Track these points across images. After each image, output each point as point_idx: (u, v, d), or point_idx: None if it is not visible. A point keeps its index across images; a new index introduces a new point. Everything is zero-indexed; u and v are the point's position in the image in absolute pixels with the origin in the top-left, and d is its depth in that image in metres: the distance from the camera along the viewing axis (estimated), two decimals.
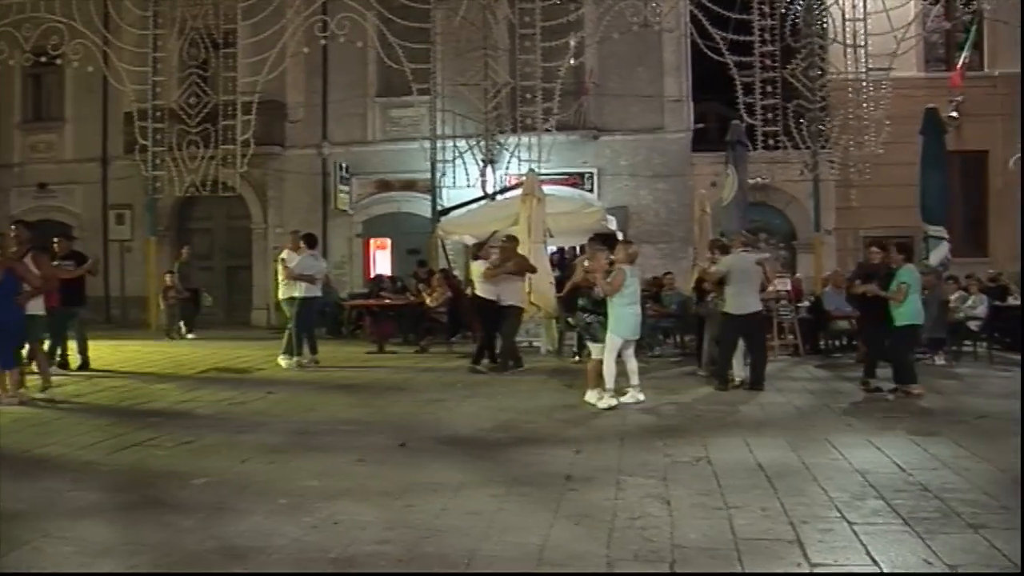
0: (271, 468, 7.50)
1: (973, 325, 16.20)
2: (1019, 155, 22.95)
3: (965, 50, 22.24)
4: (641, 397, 10.93)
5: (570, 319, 16.09)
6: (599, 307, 10.92)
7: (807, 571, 4.94)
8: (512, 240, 14.81)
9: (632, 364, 11.06)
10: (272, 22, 21.63)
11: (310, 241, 15.45)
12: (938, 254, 17.45)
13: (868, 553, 5.22)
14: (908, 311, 11.91)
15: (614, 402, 10.55)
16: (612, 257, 11.09)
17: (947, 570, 4.92)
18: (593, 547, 5.33)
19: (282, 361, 14.84)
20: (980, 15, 21.88)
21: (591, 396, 10.78)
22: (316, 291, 15.28)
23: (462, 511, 6.10)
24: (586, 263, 11.23)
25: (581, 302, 11.14)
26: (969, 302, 16.23)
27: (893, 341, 12.10)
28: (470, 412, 10.49)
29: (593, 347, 11.14)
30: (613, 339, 10.74)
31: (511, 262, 14.33)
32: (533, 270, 14.68)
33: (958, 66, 22.25)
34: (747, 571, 4.94)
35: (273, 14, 21.62)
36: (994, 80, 23.49)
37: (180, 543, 5.45)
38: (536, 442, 8.59)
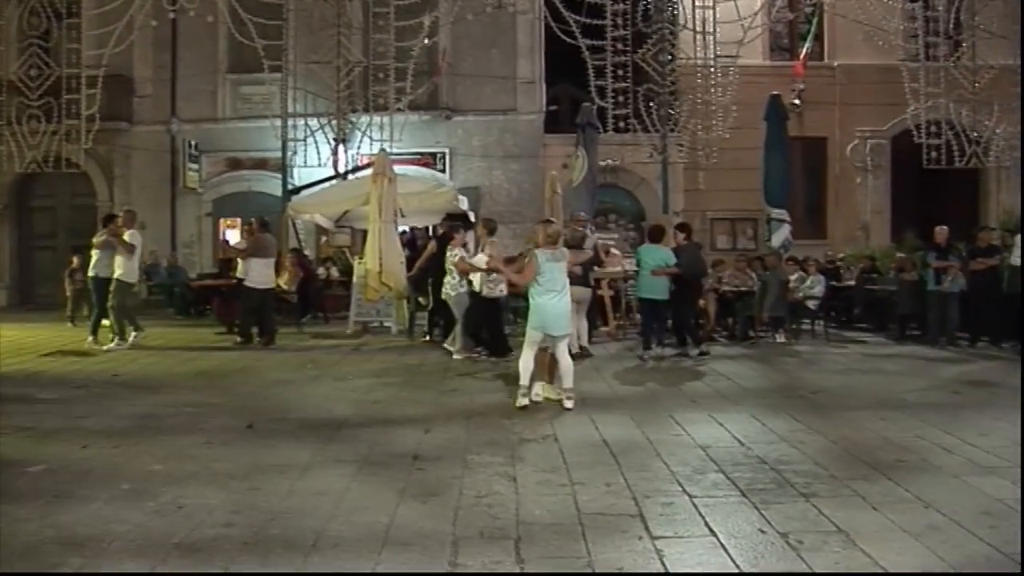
0: (114, 453, 7.35)
1: (811, 304, 16.90)
2: (856, 141, 24.09)
3: (807, 41, 23.11)
4: (569, 406, 9.35)
5: (420, 299, 16.24)
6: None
7: (648, 543, 5.13)
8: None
9: (565, 362, 9.57)
10: None
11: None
12: (780, 236, 18.21)
13: (706, 524, 5.47)
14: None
15: (526, 401, 9.32)
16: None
17: (780, 536, 5.21)
18: (439, 525, 5.43)
19: (115, 344, 14.56)
20: (821, 8, 22.79)
21: (548, 391, 9.80)
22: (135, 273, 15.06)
23: (309, 492, 6.13)
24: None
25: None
26: (807, 282, 16.90)
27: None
28: (319, 393, 10.47)
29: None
30: (530, 332, 9.56)
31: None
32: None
33: (801, 55, 23.10)
34: (590, 545, 5.10)
35: None
36: (833, 70, 24.50)
37: (15, 533, 5.32)
38: (384, 422, 8.65)
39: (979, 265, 14.97)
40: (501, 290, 13.58)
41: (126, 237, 14.64)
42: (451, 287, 13.64)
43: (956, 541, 5.14)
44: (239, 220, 24.48)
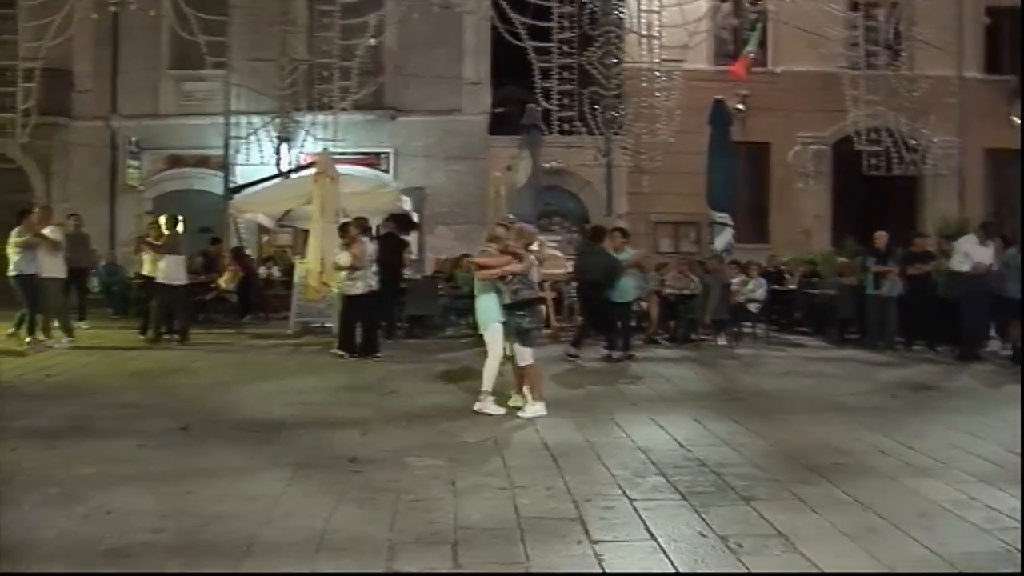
0: (44, 456, 7.14)
1: (752, 308, 17.02)
2: (798, 147, 24.35)
3: (751, 46, 23.30)
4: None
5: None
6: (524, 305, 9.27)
7: (588, 547, 5.09)
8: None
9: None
10: None
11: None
12: (723, 239, 18.34)
13: (647, 527, 5.44)
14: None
15: (501, 410, 9.18)
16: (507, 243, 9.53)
17: (721, 539, 5.19)
18: (376, 529, 5.35)
19: (66, 343, 14.31)
20: (765, 15, 23.00)
21: (538, 409, 9.12)
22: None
23: (243, 496, 6.01)
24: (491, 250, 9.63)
25: (506, 300, 9.25)
26: (749, 286, 17.03)
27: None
28: (256, 394, 10.33)
29: (523, 351, 9.28)
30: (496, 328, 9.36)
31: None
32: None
33: (741, 58, 23.27)
34: (529, 549, 5.05)
35: None
36: (776, 76, 24.74)
37: None
38: (323, 424, 8.55)
39: (917, 270, 15.17)
40: (368, 286, 13.52)
41: (47, 233, 14.33)
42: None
43: (893, 542, 5.16)
44: (180, 219, 24.09)
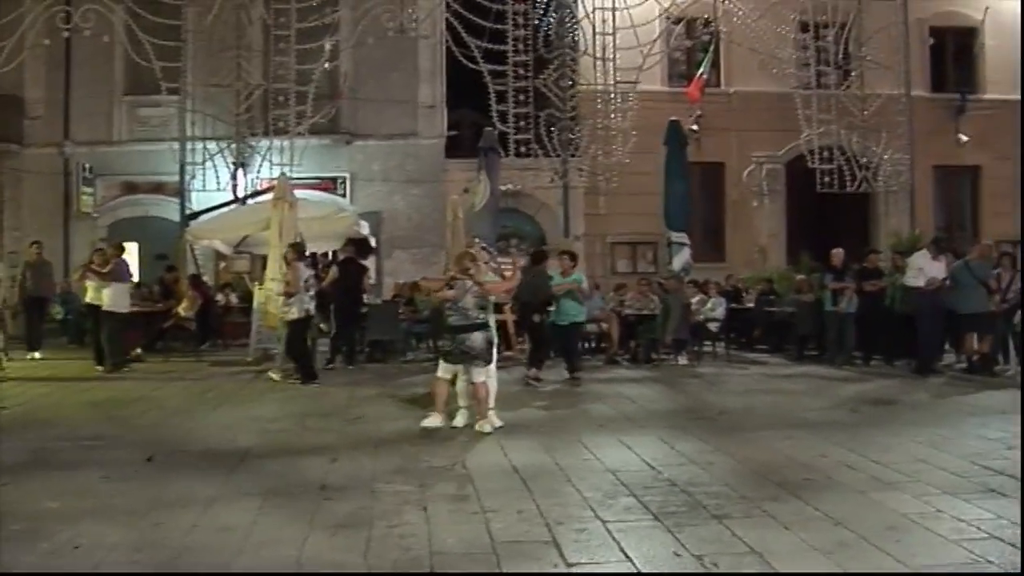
0: (3, 491, 6.99)
1: (712, 326, 17.15)
2: (752, 166, 24.60)
3: (704, 67, 23.56)
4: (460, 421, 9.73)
5: (322, 326, 16.02)
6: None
7: (564, 570, 5.09)
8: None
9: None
10: (9, 10, 20.11)
11: None
12: (680, 259, 18.43)
13: (621, 549, 5.43)
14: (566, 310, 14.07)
15: (487, 428, 9.36)
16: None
17: (696, 559, 5.21)
18: (351, 557, 5.31)
19: None
20: (718, 36, 23.27)
21: (488, 424, 9.43)
22: None
23: (214, 527, 5.93)
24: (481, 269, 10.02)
25: (483, 316, 9.61)
26: (708, 304, 17.17)
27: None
28: (221, 423, 10.22)
29: (478, 370, 9.50)
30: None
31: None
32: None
33: (694, 79, 23.53)
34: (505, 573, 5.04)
35: (10, 1, 20.24)
36: (730, 96, 25.04)
37: None
38: (290, 452, 8.47)
39: (871, 287, 15.37)
40: (304, 311, 13.70)
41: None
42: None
43: (865, 557, 5.21)
44: (136, 245, 23.88)
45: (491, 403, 9.59)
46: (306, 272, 13.89)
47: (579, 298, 14.24)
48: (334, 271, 15.70)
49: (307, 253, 17.67)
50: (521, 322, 14.60)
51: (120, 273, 15.21)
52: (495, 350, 9.95)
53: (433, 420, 9.55)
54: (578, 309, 14.22)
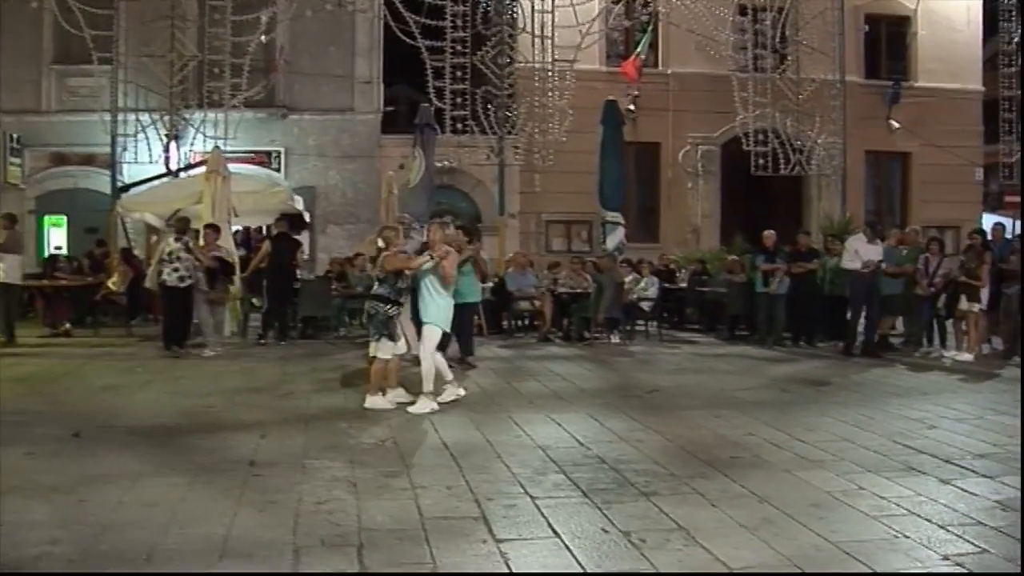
0: None
1: (645, 306, 17.27)
2: (687, 147, 24.77)
3: (641, 47, 23.65)
4: (462, 392, 9.90)
5: (254, 300, 15.83)
6: (401, 297, 9.67)
7: (492, 546, 5.11)
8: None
9: (441, 358, 9.97)
10: None
11: None
12: (614, 239, 18.53)
13: (550, 525, 5.47)
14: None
15: (435, 405, 9.32)
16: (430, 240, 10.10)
17: (623, 535, 5.26)
18: (279, 534, 5.27)
19: None
20: (656, 17, 23.39)
21: (377, 401, 9.47)
22: None
23: (140, 503, 5.86)
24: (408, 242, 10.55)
25: (382, 290, 9.61)
26: (641, 284, 17.28)
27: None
28: (149, 398, 10.08)
29: (383, 345, 9.59)
30: (434, 331, 9.64)
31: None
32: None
33: (632, 59, 23.61)
34: (434, 549, 5.03)
35: None
36: (667, 77, 25.14)
37: None
38: (219, 428, 8.38)
39: (800, 268, 15.61)
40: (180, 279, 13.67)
41: None
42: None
43: (789, 533, 5.30)
44: (65, 218, 23.43)
45: (427, 386, 9.45)
46: (175, 245, 13.79)
47: (474, 277, 13.38)
48: (267, 246, 15.54)
49: (240, 228, 17.62)
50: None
51: (13, 244, 14.88)
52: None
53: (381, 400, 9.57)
54: (471, 289, 13.10)
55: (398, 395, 9.69)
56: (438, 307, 9.67)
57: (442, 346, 12.69)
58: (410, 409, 9.27)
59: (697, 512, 5.72)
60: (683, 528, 5.37)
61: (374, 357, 9.76)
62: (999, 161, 23.95)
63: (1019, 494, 6.17)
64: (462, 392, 9.90)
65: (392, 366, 9.71)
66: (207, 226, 14.68)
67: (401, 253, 9.91)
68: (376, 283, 9.85)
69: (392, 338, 9.60)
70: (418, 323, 9.90)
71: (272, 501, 5.94)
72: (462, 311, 12.79)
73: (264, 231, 18.92)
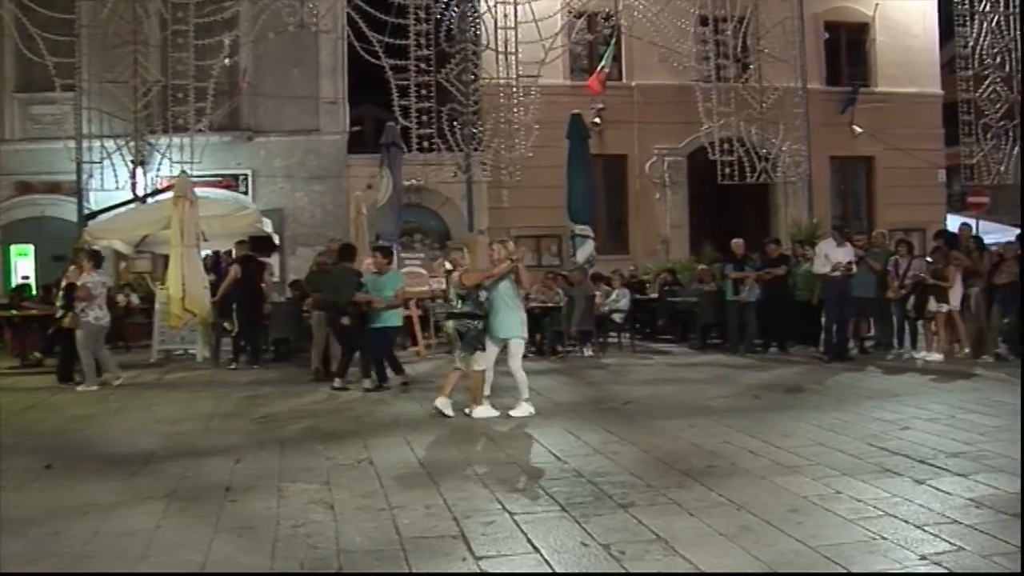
0: None
1: (617, 318, 17.32)
2: (654, 158, 24.86)
3: (605, 61, 23.78)
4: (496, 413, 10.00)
5: (225, 325, 15.71)
6: (480, 311, 9.90)
7: (472, 564, 5.08)
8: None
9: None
10: None
11: None
12: (584, 252, 18.58)
13: (529, 540, 5.45)
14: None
15: (533, 409, 9.92)
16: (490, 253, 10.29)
17: (603, 547, 5.24)
18: (257, 559, 5.24)
19: None
20: (619, 30, 23.53)
21: (482, 411, 9.90)
22: None
23: (116, 533, 5.80)
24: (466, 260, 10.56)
25: (467, 307, 9.92)
26: (613, 296, 17.33)
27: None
28: (122, 426, 10.01)
29: (478, 358, 9.93)
30: (518, 344, 10.15)
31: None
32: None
33: (596, 72, 23.73)
34: (413, 569, 5.01)
35: None
36: (631, 90, 25.29)
37: None
38: (194, 454, 8.30)
39: (769, 275, 15.71)
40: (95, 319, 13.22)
41: None
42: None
43: (768, 539, 5.32)
44: (32, 247, 23.21)
45: (524, 393, 10.03)
46: (98, 279, 13.48)
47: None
48: (235, 270, 15.46)
49: (210, 253, 17.50)
50: (330, 321, 13.05)
51: None
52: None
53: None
54: (391, 312, 12.75)
55: (446, 405, 10.02)
56: (516, 319, 10.04)
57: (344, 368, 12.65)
58: (511, 413, 9.88)
59: (676, 522, 5.72)
60: (662, 538, 5.37)
61: (457, 370, 10.17)
62: (960, 163, 24.20)
63: (992, 491, 6.23)
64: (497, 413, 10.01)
65: (484, 376, 10.13)
66: (76, 250, 14.45)
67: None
68: (458, 301, 10.04)
69: (484, 349, 9.95)
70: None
71: (249, 526, 5.90)
72: (379, 335, 12.62)
73: (233, 255, 18.80)
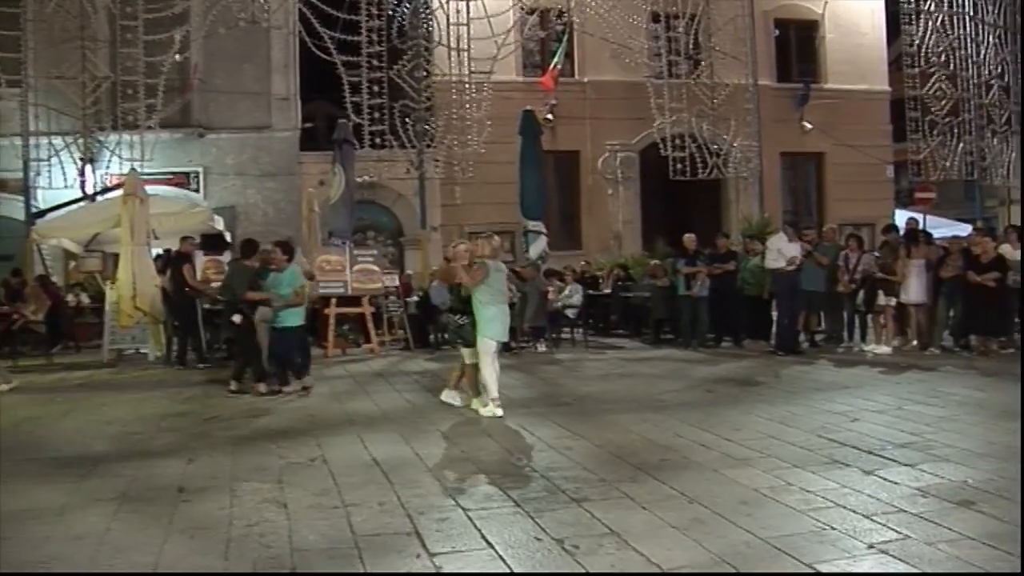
0: None
1: (570, 313, 17.39)
2: (606, 154, 24.96)
3: (557, 57, 23.86)
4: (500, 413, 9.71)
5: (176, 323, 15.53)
6: (468, 307, 9.96)
7: (426, 560, 5.08)
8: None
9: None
10: None
11: None
12: (537, 247, 18.66)
13: (483, 536, 5.47)
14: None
15: (500, 412, 9.65)
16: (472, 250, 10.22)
17: (556, 542, 5.27)
18: (210, 560, 5.21)
19: None
20: (571, 27, 23.61)
21: (477, 403, 9.99)
22: None
23: (67, 536, 5.73)
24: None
25: (450, 301, 10.35)
26: (566, 292, 17.39)
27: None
28: (72, 428, 9.88)
29: (465, 352, 10.21)
30: (486, 343, 9.84)
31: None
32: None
33: (549, 69, 23.81)
34: (368, 567, 5.01)
35: None
36: (584, 86, 25.40)
37: None
38: (145, 454, 8.22)
39: (719, 270, 15.85)
40: None
41: None
42: None
43: (719, 531, 5.38)
44: None
45: (493, 392, 9.86)
46: None
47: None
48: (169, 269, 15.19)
49: (161, 251, 17.27)
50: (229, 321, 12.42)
51: None
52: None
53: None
54: (292, 312, 11.94)
55: (453, 396, 10.38)
56: (485, 319, 9.86)
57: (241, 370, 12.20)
58: (482, 412, 9.76)
59: (628, 516, 5.77)
60: (615, 532, 5.42)
61: (465, 363, 10.27)
62: (907, 159, 24.55)
63: (938, 480, 6.36)
64: (500, 412, 9.84)
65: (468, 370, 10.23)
66: None
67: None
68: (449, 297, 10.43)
69: (468, 344, 10.08)
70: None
71: (202, 526, 5.86)
72: (282, 335, 11.89)
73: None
